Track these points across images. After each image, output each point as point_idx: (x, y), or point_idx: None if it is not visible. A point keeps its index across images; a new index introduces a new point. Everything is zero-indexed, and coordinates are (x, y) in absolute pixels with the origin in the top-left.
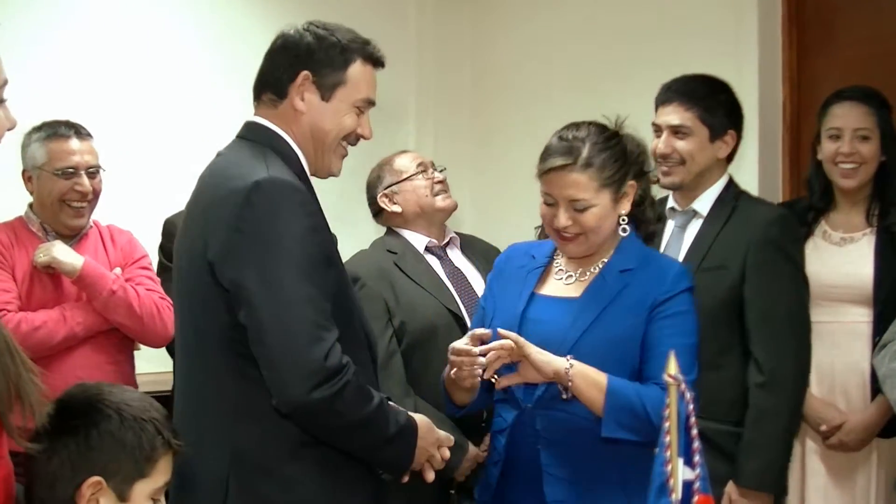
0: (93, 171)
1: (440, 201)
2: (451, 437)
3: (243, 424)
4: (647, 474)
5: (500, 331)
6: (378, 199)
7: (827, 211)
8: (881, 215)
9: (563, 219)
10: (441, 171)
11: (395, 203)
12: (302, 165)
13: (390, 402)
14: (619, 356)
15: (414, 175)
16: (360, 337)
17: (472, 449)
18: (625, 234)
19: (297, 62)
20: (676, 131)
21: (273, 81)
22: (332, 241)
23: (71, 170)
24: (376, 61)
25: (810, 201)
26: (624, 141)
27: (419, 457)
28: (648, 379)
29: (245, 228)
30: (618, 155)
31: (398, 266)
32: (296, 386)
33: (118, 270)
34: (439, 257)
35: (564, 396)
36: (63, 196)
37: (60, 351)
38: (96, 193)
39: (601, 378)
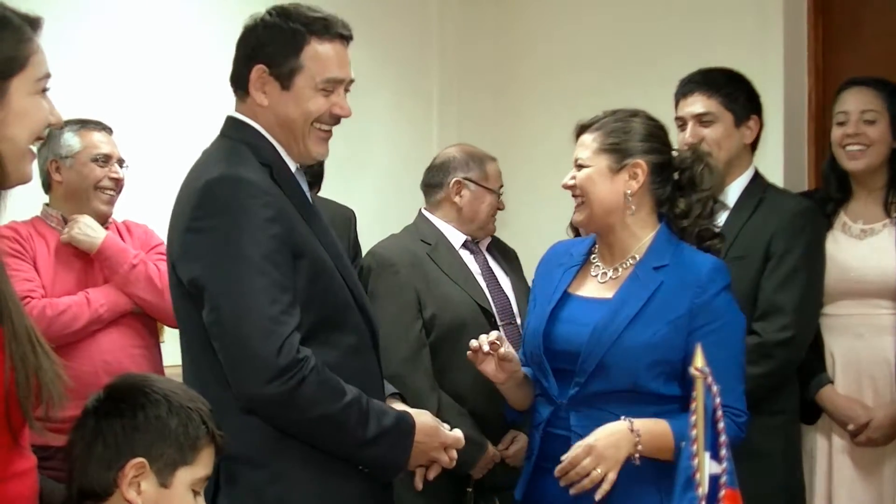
0: (121, 165)
1: (491, 224)
2: (461, 439)
3: (226, 418)
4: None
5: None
6: (450, 182)
7: (845, 202)
8: None
9: (568, 176)
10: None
11: (460, 195)
12: (279, 155)
13: (397, 399)
14: (654, 360)
15: (494, 192)
16: (351, 322)
17: (490, 449)
18: (630, 213)
19: (251, 55)
20: (701, 119)
21: (236, 77)
22: (299, 231)
23: (106, 158)
24: (338, 36)
25: (827, 192)
26: (649, 127)
27: (417, 458)
28: None
29: (197, 227)
30: (629, 129)
31: (431, 258)
32: (249, 380)
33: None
34: (473, 253)
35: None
36: (98, 182)
37: (87, 336)
38: (122, 185)
39: (667, 430)
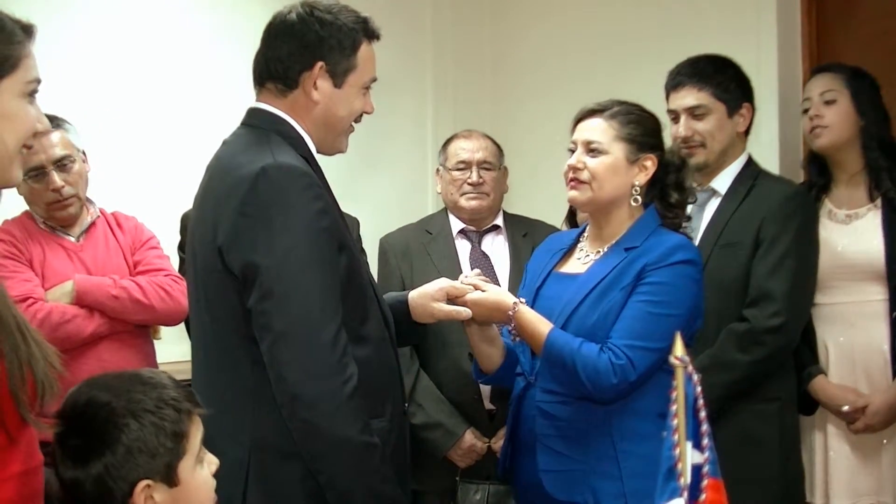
0: (63, 163)
1: (463, 201)
2: None
3: (262, 410)
4: (639, 447)
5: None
6: (439, 172)
7: (827, 188)
8: (876, 185)
9: (576, 158)
10: (487, 169)
11: (439, 184)
12: (309, 148)
13: None
14: (608, 328)
15: (451, 169)
16: (374, 314)
17: (467, 438)
18: (636, 205)
19: (307, 51)
20: (694, 113)
21: (282, 71)
22: (341, 223)
23: (37, 171)
24: (376, 36)
25: (810, 180)
26: (655, 122)
27: None
28: (608, 338)
29: (252, 213)
30: (643, 122)
31: (426, 248)
32: (293, 372)
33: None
34: (471, 241)
35: (514, 338)
36: (40, 196)
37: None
38: (82, 176)
39: (542, 331)
